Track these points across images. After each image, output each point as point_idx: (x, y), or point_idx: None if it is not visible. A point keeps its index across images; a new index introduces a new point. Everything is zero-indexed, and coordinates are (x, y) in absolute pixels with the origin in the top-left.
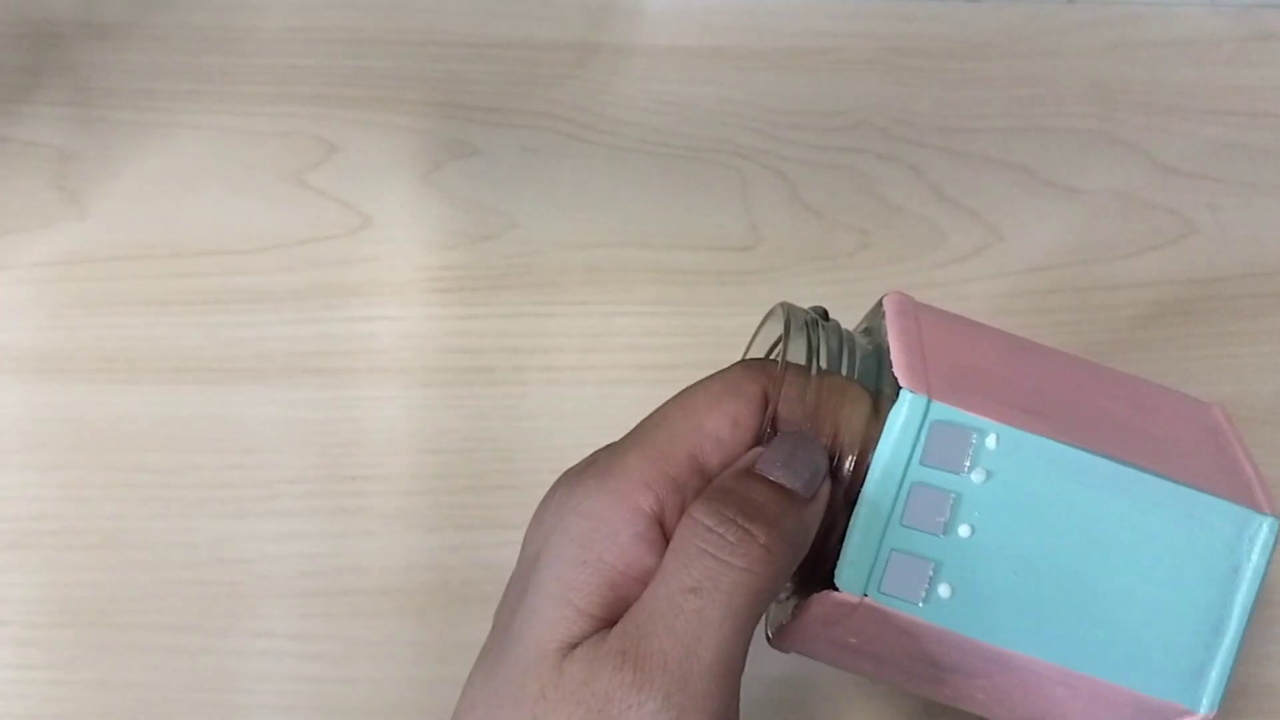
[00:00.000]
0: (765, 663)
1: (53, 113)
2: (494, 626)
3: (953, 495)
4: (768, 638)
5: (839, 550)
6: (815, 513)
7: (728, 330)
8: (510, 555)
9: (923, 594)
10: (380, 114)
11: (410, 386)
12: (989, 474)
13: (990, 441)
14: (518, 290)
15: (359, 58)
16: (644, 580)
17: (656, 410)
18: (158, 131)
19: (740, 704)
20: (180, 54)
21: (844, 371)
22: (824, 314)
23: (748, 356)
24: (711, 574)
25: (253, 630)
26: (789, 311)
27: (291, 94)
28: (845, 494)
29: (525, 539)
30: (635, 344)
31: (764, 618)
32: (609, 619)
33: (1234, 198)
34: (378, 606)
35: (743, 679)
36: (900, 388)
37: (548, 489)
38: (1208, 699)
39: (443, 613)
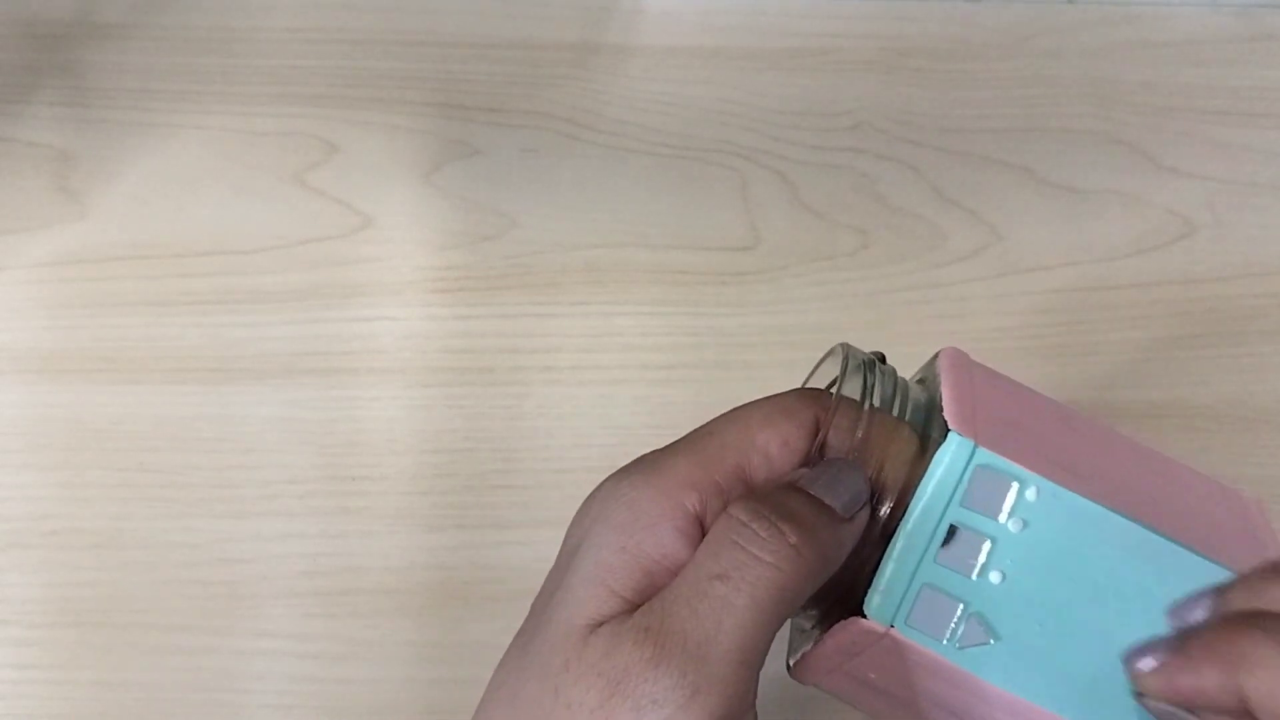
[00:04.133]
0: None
1: (53, 113)
2: (529, 614)
3: (988, 540)
4: (788, 668)
5: (870, 582)
6: (850, 533)
7: (728, 330)
8: (510, 555)
9: (948, 632)
10: (380, 114)
11: (410, 386)
12: (1025, 524)
13: (1030, 493)
14: (518, 290)
15: (359, 58)
16: (678, 572)
17: (709, 421)
18: (158, 131)
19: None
20: (180, 54)
21: (895, 414)
22: (881, 358)
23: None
24: (739, 564)
25: (253, 630)
26: (847, 351)
27: (292, 94)
28: (881, 530)
29: (567, 534)
30: (635, 344)
31: (787, 647)
32: (639, 603)
33: (1234, 198)
34: (378, 606)
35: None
36: (948, 432)
37: (548, 489)
38: None
39: (443, 613)
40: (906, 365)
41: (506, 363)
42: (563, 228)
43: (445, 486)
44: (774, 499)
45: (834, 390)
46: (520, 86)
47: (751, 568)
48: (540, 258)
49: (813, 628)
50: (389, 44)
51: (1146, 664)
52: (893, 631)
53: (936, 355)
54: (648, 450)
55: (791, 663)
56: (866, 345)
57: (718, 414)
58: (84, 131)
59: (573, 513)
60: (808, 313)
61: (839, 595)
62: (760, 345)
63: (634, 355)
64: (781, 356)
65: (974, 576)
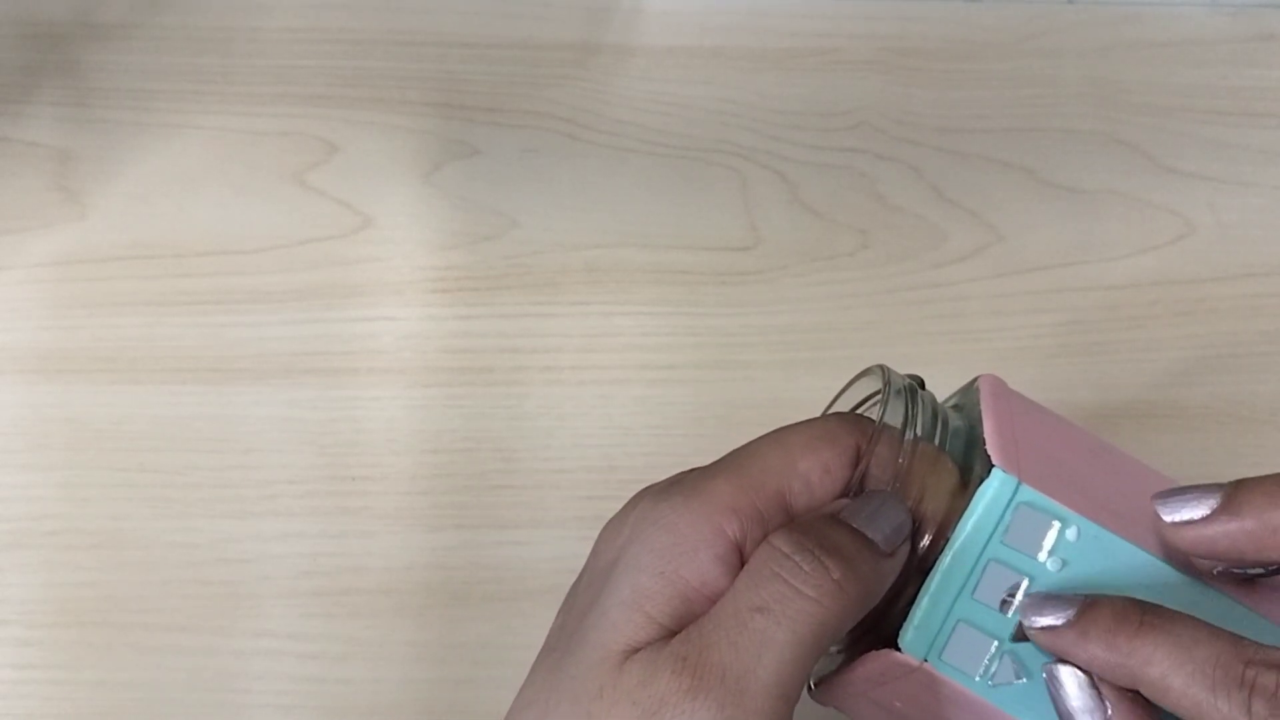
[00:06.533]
0: None
1: (53, 113)
2: (556, 629)
3: (1026, 578)
4: (809, 689)
5: (904, 614)
6: (891, 568)
7: (728, 330)
8: (510, 555)
9: (981, 669)
10: (380, 114)
11: (410, 386)
12: (1064, 564)
13: (1071, 533)
14: (518, 290)
15: (359, 58)
16: (715, 600)
17: (750, 443)
18: (158, 131)
19: None
20: (180, 54)
21: (935, 443)
22: (921, 383)
23: (833, 410)
24: (780, 597)
25: (253, 630)
26: (889, 375)
27: (292, 94)
28: (919, 563)
29: (596, 548)
30: (635, 344)
31: None
32: (676, 630)
33: (1234, 198)
34: (378, 606)
35: None
36: (991, 467)
37: (548, 489)
38: None
39: (443, 613)
40: (906, 366)
41: (506, 363)
42: (562, 228)
43: (445, 486)
44: (817, 531)
45: (867, 413)
46: (520, 86)
47: (793, 601)
48: (540, 258)
49: (839, 652)
50: (389, 44)
51: (1043, 621)
52: (925, 666)
53: (974, 381)
54: (647, 450)
55: (814, 683)
56: (866, 345)
57: (717, 414)
58: (84, 131)
59: (573, 513)
60: (807, 313)
61: (870, 623)
62: (760, 345)
63: (634, 355)
64: (781, 356)
65: (1010, 614)
